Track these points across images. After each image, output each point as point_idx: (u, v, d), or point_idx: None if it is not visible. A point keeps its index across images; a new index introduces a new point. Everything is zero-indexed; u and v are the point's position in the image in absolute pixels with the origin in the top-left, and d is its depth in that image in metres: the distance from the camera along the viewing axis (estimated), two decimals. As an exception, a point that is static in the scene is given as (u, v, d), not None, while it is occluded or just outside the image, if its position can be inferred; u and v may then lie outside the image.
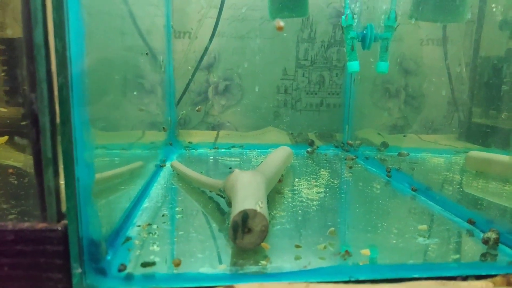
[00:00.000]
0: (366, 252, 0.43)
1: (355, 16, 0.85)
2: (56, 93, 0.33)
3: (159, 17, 0.93)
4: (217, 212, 0.57)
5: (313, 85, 1.16)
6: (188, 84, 1.05)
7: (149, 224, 0.50)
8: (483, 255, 0.43)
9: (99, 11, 0.44)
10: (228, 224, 0.46)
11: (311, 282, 0.32)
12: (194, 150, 0.98)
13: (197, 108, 1.05)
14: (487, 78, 1.03)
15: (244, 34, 1.11)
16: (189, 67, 1.04)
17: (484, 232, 0.48)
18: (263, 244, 0.44)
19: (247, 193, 0.48)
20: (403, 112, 1.16)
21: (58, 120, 0.34)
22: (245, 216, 0.43)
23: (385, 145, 0.97)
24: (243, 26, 1.10)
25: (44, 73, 0.33)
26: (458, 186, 0.66)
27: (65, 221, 0.35)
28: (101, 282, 0.36)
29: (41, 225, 0.35)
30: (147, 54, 0.69)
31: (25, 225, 0.35)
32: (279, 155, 0.73)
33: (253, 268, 0.39)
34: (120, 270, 0.36)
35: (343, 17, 0.84)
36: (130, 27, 0.62)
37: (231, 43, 1.10)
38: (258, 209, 0.43)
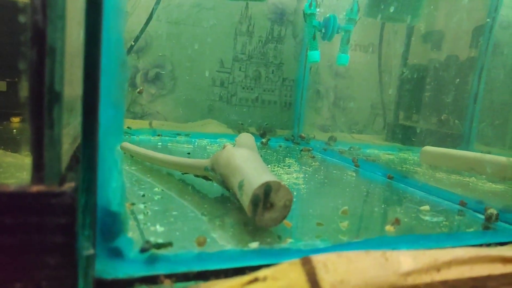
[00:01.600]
0: (390, 228, 0.40)
1: (319, 5, 0.84)
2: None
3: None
4: (200, 193, 0.50)
5: (249, 80, 1.13)
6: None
7: (133, 204, 0.41)
8: (485, 228, 0.45)
9: None
10: (239, 199, 0.40)
11: (387, 250, 0.29)
12: (135, 136, 0.87)
13: (138, 89, 0.94)
14: (412, 84, 1.13)
15: (180, 20, 1.03)
16: (132, 43, 0.92)
17: (476, 211, 0.50)
18: (285, 221, 0.39)
19: (258, 166, 0.42)
20: (332, 112, 1.21)
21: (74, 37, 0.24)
22: (268, 189, 0.37)
23: (333, 139, 0.98)
24: (180, 12, 1.02)
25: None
26: (426, 177, 0.68)
27: (70, 184, 0.26)
28: (117, 267, 0.27)
29: (37, 188, 0.25)
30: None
31: (11, 187, 0.24)
32: (250, 139, 0.68)
33: (287, 245, 0.34)
34: (144, 250, 0.28)
35: (307, 4, 0.83)
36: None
37: (165, 28, 1.01)
38: (281, 182, 0.38)
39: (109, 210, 0.26)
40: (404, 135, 1.06)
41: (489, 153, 0.76)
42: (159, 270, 0.28)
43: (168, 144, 0.84)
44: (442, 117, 0.89)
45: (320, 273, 0.24)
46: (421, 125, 1.04)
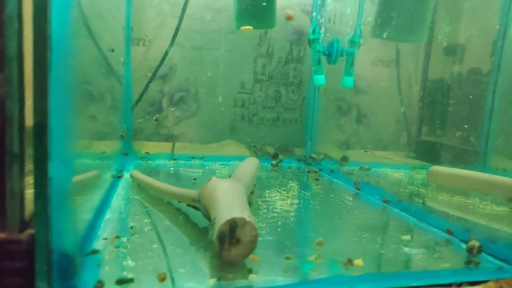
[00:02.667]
0: (359, 262, 0.41)
1: (322, 30, 0.86)
2: (29, 74, 0.28)
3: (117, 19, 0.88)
4: (188, 224, 0.52)
5: (270, 100, 1.15)
6: (145, 89, 0.99)
7: (117, 237, 0.45)
8: (467, 262, 0.44)
9: None
10: (211, 236, 0.42)
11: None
12: (151, 161, 0.92)
13: (155, 117, 0.99)
14: (434, 99, 1.10)
15: (202, 45, 1.08)
16: (149, 73, 0.98)
17: (463, 241, 0.48)
18: (251, 256, 0.40)
19: (231, 201, 0.45)
20: (354, 129, 1.20)
21: (29, 106, 0.28)
22: (233, 225, 0.39)
23: (345, 159, 0.98)
24: (201, 37, 1.07)
25: (15, 50, 0.27)
26: (427, 199, 0.67)
27: (30, 231, 0.29)
28: (73, 304, 0.30)
29: (-1, 236, 0.29)
30: (112, 50, 0.63)
31: (-22, 235, 0.29)
32: (250, 165, 0.70)
33: (245, 282, 0.36)
34: (96, 289, 0.31)
35: (310, 30, 0.85)
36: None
37: (188, 53, 1.07)
38: (247, 218, 0.40)
39: (64, 253, 0.29)
40: (420, 152, 1.04)
41: (505, 170, 0.73)
42: (112, 307, 0.31)
43: (181, 168, 0.88)
44: (457, 135, 0.86)
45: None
46: (436, 140, 1.01)
